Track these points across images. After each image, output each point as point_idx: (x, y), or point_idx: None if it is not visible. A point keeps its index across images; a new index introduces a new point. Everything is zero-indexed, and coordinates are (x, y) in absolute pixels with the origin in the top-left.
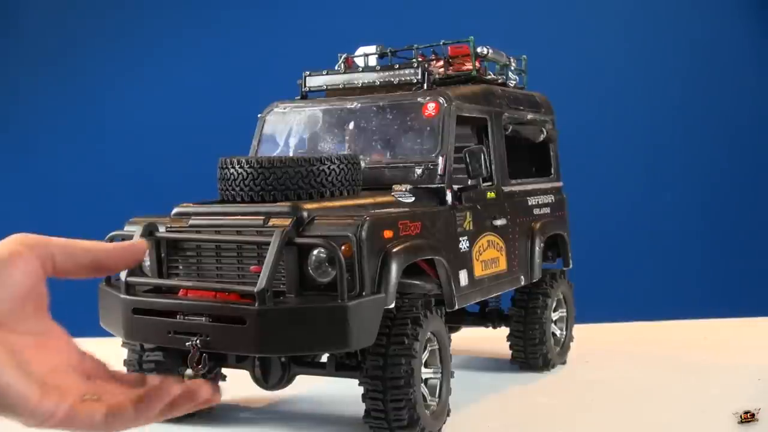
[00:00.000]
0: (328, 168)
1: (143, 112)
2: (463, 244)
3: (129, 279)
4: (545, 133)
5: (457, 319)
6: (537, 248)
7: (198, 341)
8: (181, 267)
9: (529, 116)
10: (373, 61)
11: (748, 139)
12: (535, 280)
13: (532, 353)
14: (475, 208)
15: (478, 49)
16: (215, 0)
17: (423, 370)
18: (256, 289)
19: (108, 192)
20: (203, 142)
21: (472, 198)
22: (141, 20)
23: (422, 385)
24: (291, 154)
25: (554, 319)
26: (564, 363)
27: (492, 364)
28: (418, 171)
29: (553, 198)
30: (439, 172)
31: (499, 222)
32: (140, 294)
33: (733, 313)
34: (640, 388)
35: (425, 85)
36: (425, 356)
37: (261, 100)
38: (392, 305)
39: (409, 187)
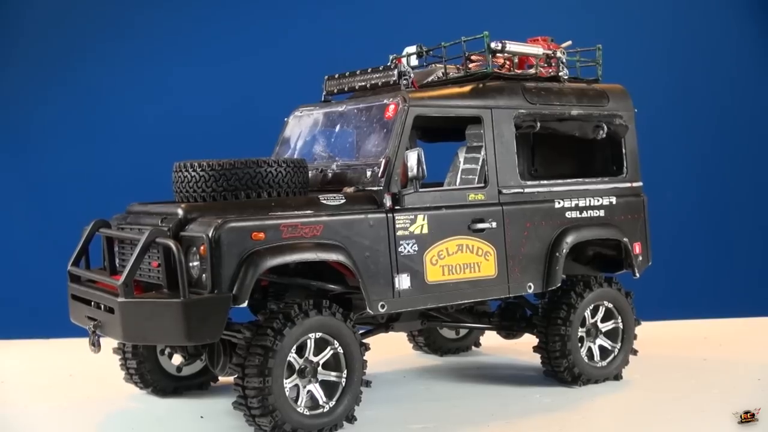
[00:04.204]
0: (265, 171)
1: (151, 113)
2: (406, 248)
3: (70, 269)
4: (605, 128)
5: (510, 326)
6: (558, 254)
7: (93, 325)
8: (124, 259)
9: (575, 111)
10: (414, 60)
11: (748, 139)
12: (552, 288)
13: (557, 365)
14: (433, 210)
15: (492, 45)
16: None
17: (321, 370)
18: (118, 283)
19: (110, 192)
20: (204, 145)
21: (427, 201)
22: (147, 20)
23: (309, 383)
24: (295, 156)
25: (603, 330)
26: (617, 378)
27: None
28: (369, 173)
29: (614, 200)
30: (378, 174)
31: (483, 225)
32: (81, 282)
33: (733, 313)
34: (640, 388)
35: (401, 86)
36: (323, 357)
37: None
38: (244, 304)
39: (353, 189)
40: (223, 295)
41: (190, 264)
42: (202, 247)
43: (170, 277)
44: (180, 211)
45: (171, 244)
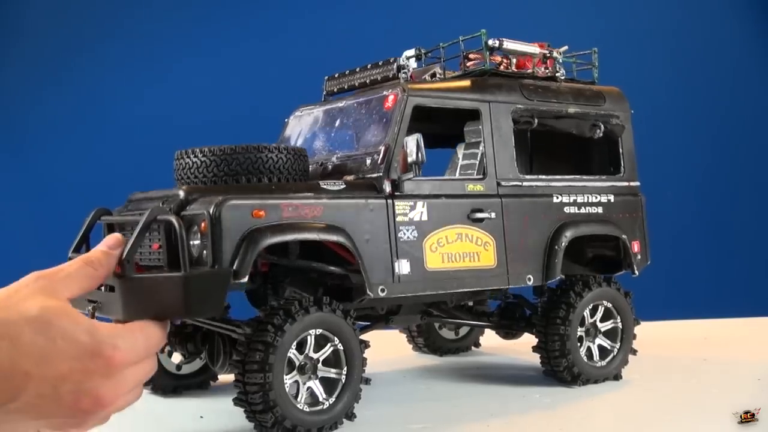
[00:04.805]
0: (266, 156)
1: (149, 112)
2: (406, 234)
3: (71, 255)
4: (602, 128)
5: (509, 325)
6: (557, 247)
7: (92, 307)
8: None
9: (572, 109)
10: (413, 63)
11: (748, 139)
12: (551, 280)
13: (556, 365)
14: (432, 198)
15: (489, 42)
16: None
17: (321, 367)
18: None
19: (110, 192)
20: (204, 144)
21: (426, 188)
22: (146, 19)
23: (309, 379)
24: None
25: (603, 330)
26: (617, 378)
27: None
28: (368, 161)
29: (611, 197)
30: (378, 161)
31: (482, 215)
32: None
33: (733, 312)
34: (640, 388)
35: (400, 80)
36: (323, 354)
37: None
38: (245, 279)
39: (352, 177)
40: (223, 270)
41: (191, 242)
42: (203, 224)
43: (171, 256)
44: (181, 193)
45: (173, 219)
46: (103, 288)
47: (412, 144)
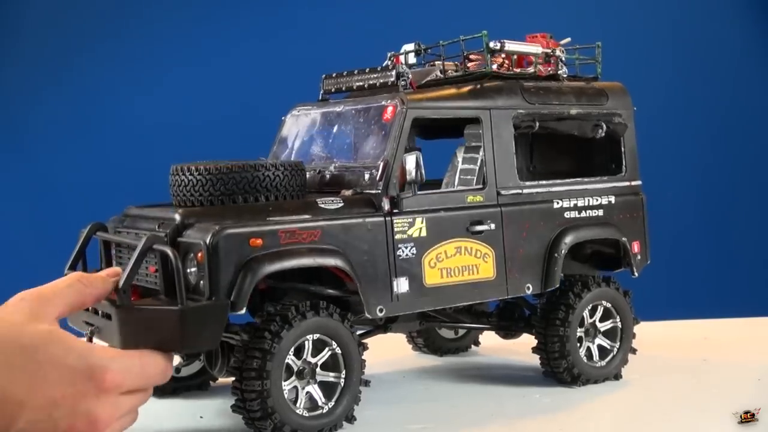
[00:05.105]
0: (263, 174)
1: (148, 112)
2: (405, 252)
3: (66, 272)
4: (604, 127)
5: (508, 326)
6: (556, 255)
7: (90, 330)
8: (121, 263)
9: (574, 111)
10: (412, 58)
11: (750, 138)
12: (551, 288)
13: (556, 366)
14: (431, 213)
15: (491, 44)
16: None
17: (319, 371)
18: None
19: (109, 193)
20: (203, 143)
21: (425, 203)
22: (144, 19)
23: (308, 384)
24: (292, 157)
25: (602, 330)
26: (617, 378)
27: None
28: (367, 176)
29: (612, 199)
30: (377, 177)
31: (481, 227)
32: None
33: (733, 313)
34: (640, 388)
35: (399, 87)
36: (321, 358)
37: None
38: (243, 311)
39: (350, 192)
40: (220, 302)
41: (188, 270)
42: (199, 254)
43: (167, 282)
44: (177, 217)
45: (168, 251)
46: (100, 314)
47: (412, 163)
